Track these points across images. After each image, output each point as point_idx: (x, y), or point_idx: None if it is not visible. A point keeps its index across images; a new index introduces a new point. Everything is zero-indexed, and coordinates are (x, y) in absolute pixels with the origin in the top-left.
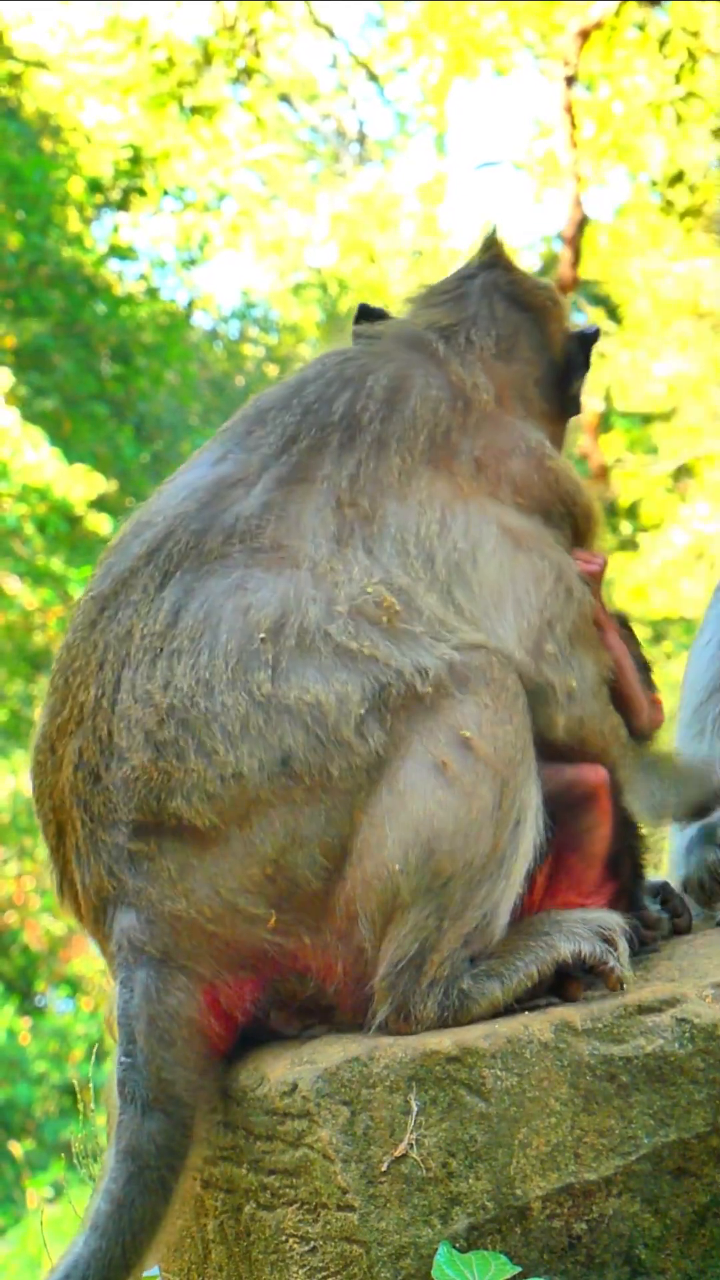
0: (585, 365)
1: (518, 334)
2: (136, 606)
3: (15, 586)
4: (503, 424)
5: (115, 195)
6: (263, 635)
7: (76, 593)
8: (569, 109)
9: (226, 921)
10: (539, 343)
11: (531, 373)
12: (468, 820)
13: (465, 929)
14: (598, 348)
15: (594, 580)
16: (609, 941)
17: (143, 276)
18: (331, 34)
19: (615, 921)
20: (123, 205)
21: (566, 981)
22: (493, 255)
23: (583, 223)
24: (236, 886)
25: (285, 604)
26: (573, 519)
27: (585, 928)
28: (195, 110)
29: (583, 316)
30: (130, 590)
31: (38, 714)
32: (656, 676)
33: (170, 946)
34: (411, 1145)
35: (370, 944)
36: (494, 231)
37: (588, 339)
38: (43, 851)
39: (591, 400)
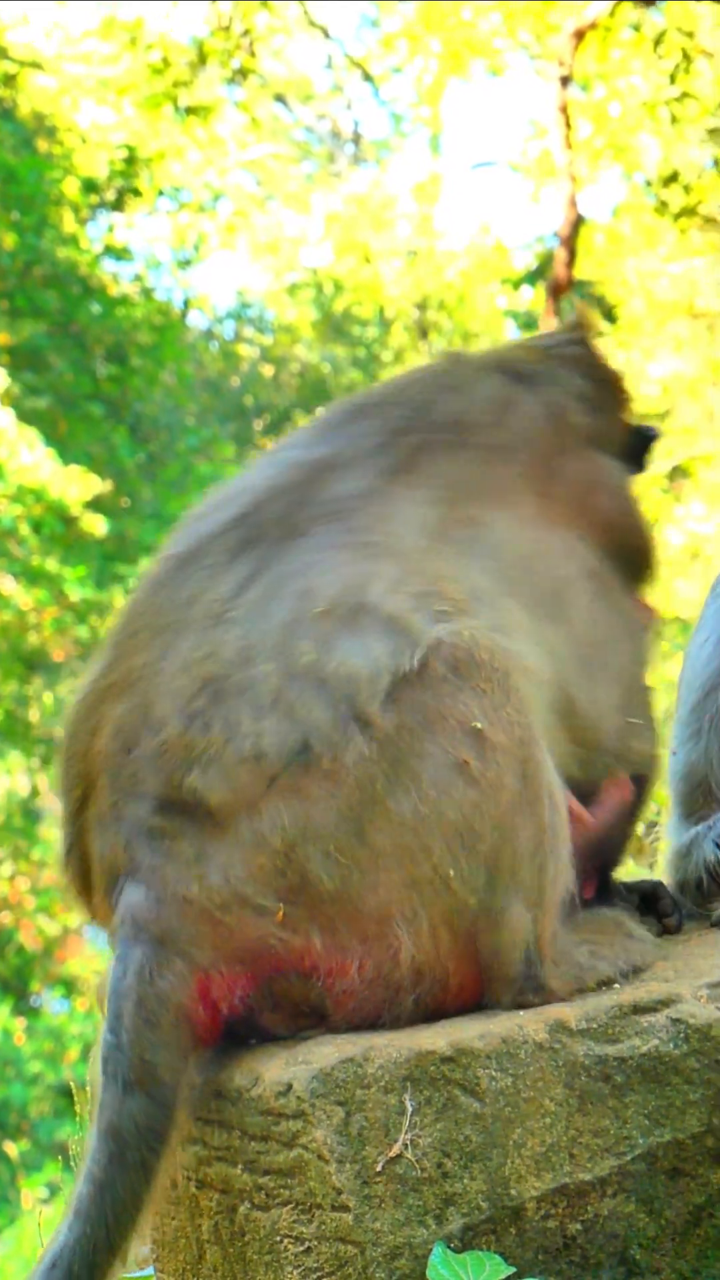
0: (640, 466)
1: (595, 400)
2: (210, 571)
3: (10, 587)
4: (596, 458)
5: (110, 195)
6: (321, 609)
7: (72, 593)
8: (564, 109)
9: (234, 910)
10: (610, 417)
11: (607, 433)
12: (502, 813)
13: (556, 906)
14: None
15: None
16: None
17: (138, 277)
18: (326, 34)
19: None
20: (118, 205)
21: None
22: (579, 333)
23: (578, 223)
24: (245, 875)
25: (350, 584)
26: (638, 568)
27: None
28: (190, 110)
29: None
30: (207, 554)
31: (83, 674)
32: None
33: (173, 929)
34: (406, 1146)
35: (418, 949)
36: (585, 314)
37: (649, 438)
38: (41, 851)
39: None
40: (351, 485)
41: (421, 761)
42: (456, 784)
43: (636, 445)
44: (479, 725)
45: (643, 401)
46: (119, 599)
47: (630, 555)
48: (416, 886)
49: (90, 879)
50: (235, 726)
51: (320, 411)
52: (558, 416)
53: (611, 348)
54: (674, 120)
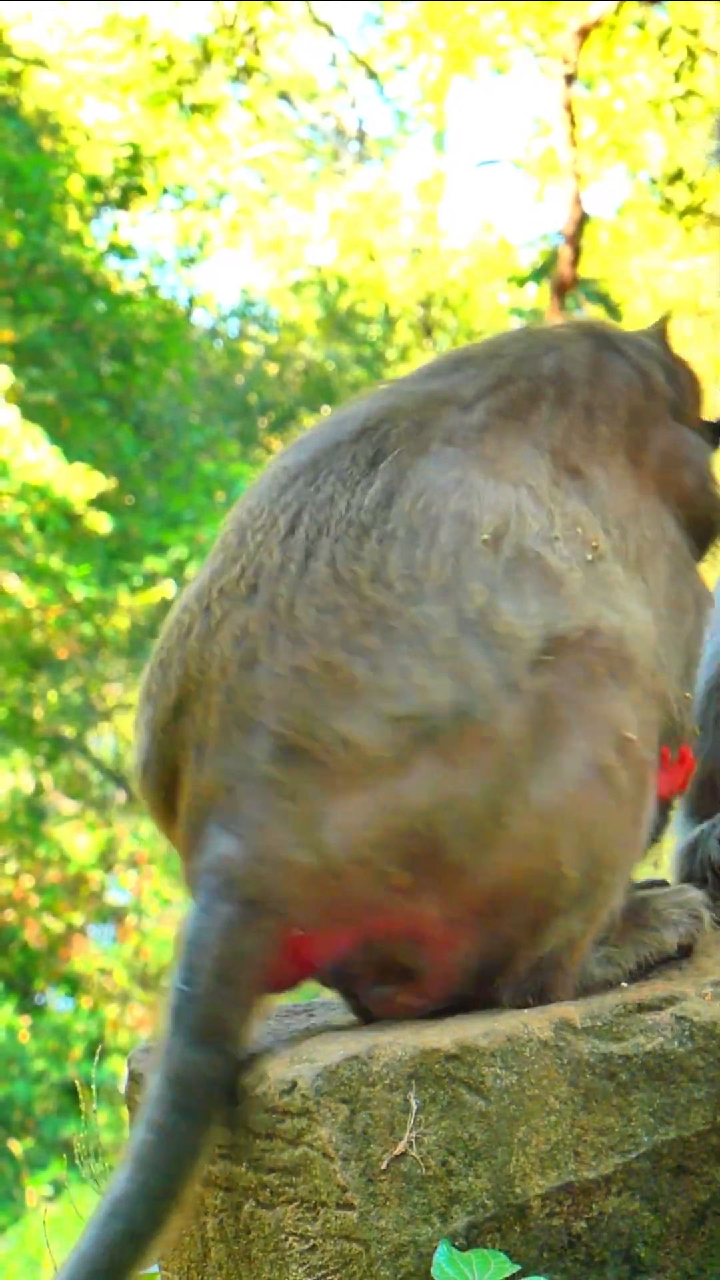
0: (713, 446)
1: (669, 381)
2: (343, 476)
3: (14, 585)
4: (682, 431)
5: (114, 193)
6: (485, 538)
7: (75, 592)
8: (568, 107)
9: (351, 875)
10: (688, 402)
11: (688, 412)
12: (627, 830)
13: (599, 928)
14: None
15: None
16: (697, 918)
17: (142, 275)
18: (331, 32)
19: (700, 899)
20: (122, 203)
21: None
22: (657, 330)
23: (582, 221)
24: (375, 838)
25: (507, 513)
26: (707, 546)
27: (681, 912)
28: (194, 108)
29: (584, 314)
30: (336, 460)
31: (192, 573)
32: None
33: (272, 890)
34: (411, 1143)
35: (513, 933)
36: (665, 320)
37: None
38: (46, 849)
39: None
40: (470, 419)
41: (566, 755)
42: (597, 787)
43: (710, 433)
44: (630, 736)
45: None
46: (123, 597)
47: (703, 532)
48: (532, 876)
49: (174, 799)
50: (408, 674)
51: (421, 364)
52: (648, 384)
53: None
54: (679, 118)
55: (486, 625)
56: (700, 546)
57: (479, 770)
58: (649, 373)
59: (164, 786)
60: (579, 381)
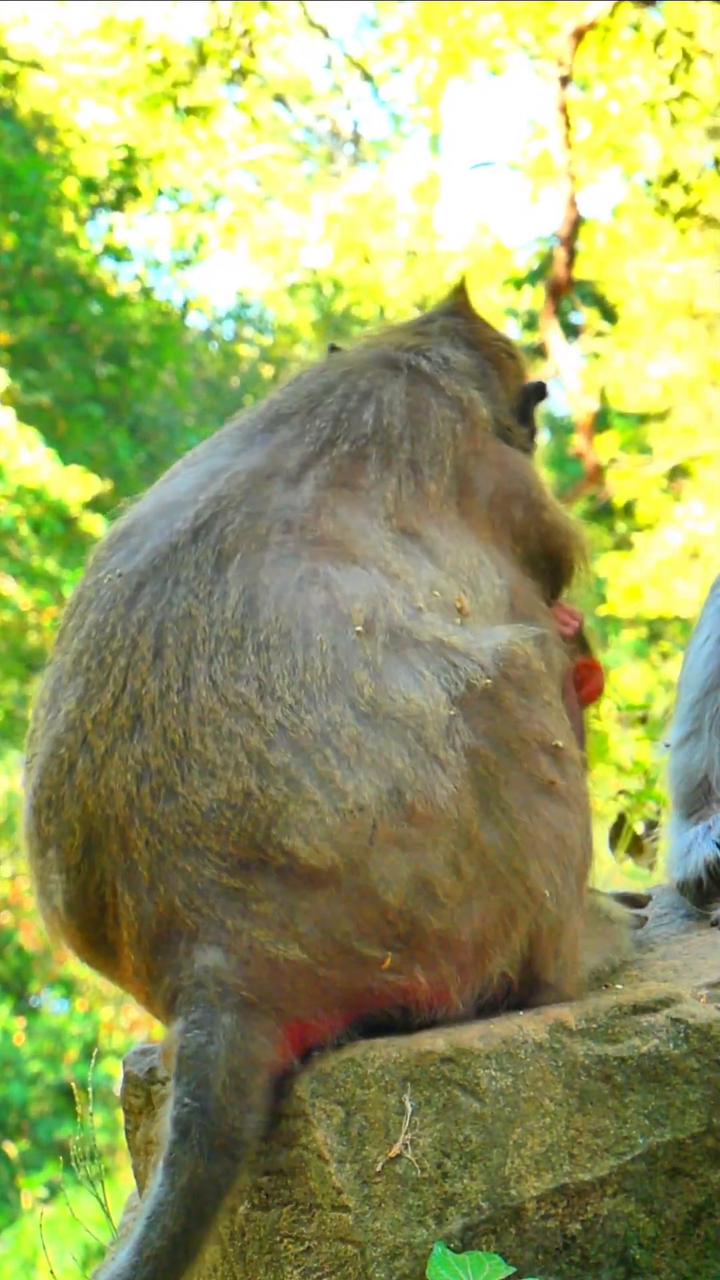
0: (540, 395)
1: (482, 369)
2: (192, 586)
3: (10, 587)
4: (506, 458)
5: (110, 195)
6: (358, 629)
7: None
8: (564, 109)
9: (338, 965)
10: (499, 384)
11: (501, 405)
12: (583, 826)
13: (585, 921)
14: (594, 348)
15: (567, 639)
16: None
17: (137, 277)
18: (326, 34)
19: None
20: (117, 205)
21: None
22: (455, 303)
23: (577, 223)
24: (352, 930)
25: (371, 598)
26: (556, 572)
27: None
28: (190, 111)
29: (579, 317)
30: (178, 568)
31: (41, 695)
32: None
33: (267, 989)
34: (406, 1145)
35: (508, 964)
36: (462, 282)
37: (536, 393)
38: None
39: (586, 400)
40: (301, 498)
41: (508, 789)
42: (545, 804)
43: (528, 403)
44: (559, 743)
45: (642, 401)
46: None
47: (544, 564)
48: (510, 909)
49: (106, 932)
50: (329, 782)
51: (234, 419)
52: (467, 414)
53: (611, 349)
54: (674, 120)
55: (384, 712)
56: (552, 576)
57: (432, 844)
58: (466, 402)
59: (91, 922)
60: (400, 437)
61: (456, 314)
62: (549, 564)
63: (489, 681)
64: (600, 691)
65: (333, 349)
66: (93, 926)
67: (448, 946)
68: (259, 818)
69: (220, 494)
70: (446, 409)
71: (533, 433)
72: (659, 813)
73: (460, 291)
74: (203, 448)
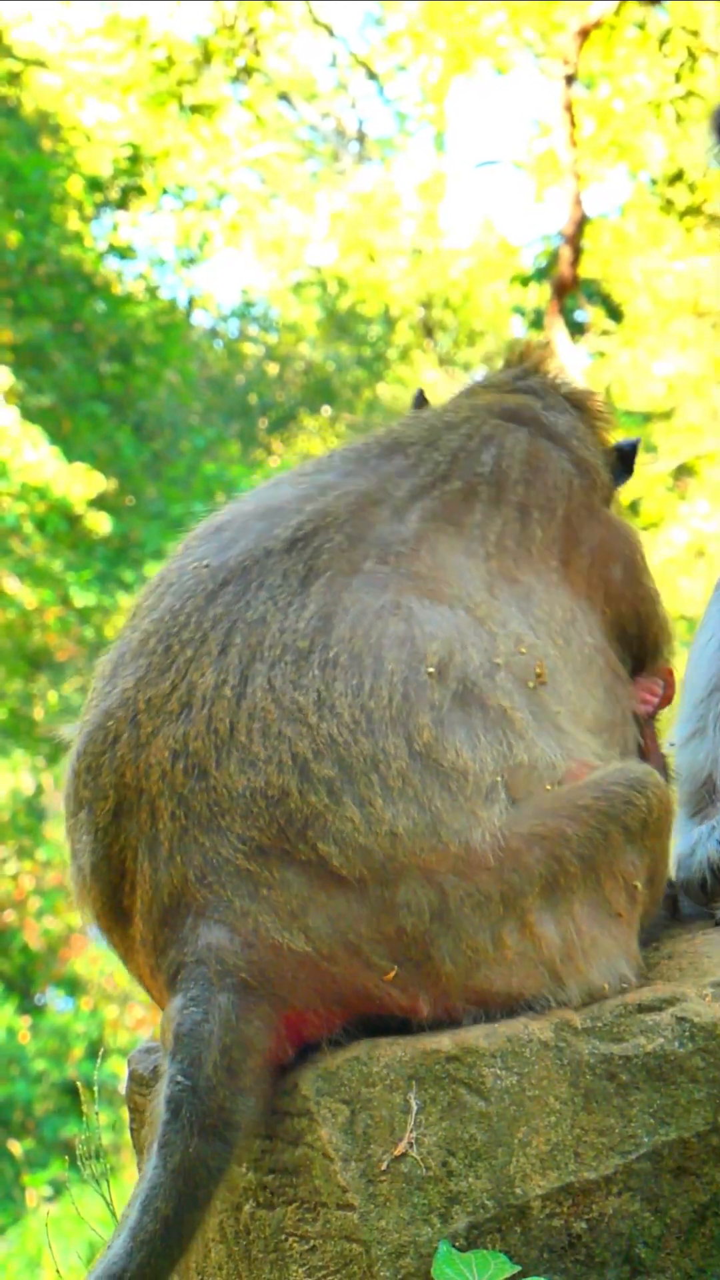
0: (629, 471)
1: (590, 430)
2: (274, 593)
3: (14, 586)
4: (614, 521)
5: (115, 194)
6: (430, 669)
7: (76, 598)
8: (569, 108)
9: (342, 962)
10: (598, 441)
11: (604, 463)
12: (636, 940)
13: None
14: (600, 347)
15: (644, 717)
16: None
17: (142, 275)
18: (331, 32)
19: None
20: (122, 204)
21: None
22: (536, 360)
23: (583, 221)
24: (365, 935)
25: (450, 641)
26: (642, 642)
27: None
28: (195, 109)
29: (584, 316)
30: (266, 573)
31: (102, 668)
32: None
33: (268, 974)
34: (411, 1144)
35: (535, 1000)
36: (537, 343)
37: (629, 450)
38: (46, 850)
39: None
40: (400, 526)
41: (575, 900)
42: (609, 925)
43: (621, 456)
44: (638, 885)
45: (647, 400)
46: (124, 600)
47: (631, 630)
48: (556, 979)
49: (122, 899)
50: (368, 805)
51: (349, 442)
52: (587, 473)
53: (616, 347)
54: (679, 119)
55: (434, 759)
56: (630, 641)
57: (469, 897)
58: (590, 467)
59: (111, 886)
60: (515, 481)
61: (538, 372)
62: (637, 631)
63: (527, 770)
64: (669, 700)
65: (420, 398)
66: (112, 891)
67: (466, 991)
68: (294, 816)
69: (326, 509)
70: (568, 464)
71: (629, 475)
72: None
73: (538, 350)
74: (313, 463)
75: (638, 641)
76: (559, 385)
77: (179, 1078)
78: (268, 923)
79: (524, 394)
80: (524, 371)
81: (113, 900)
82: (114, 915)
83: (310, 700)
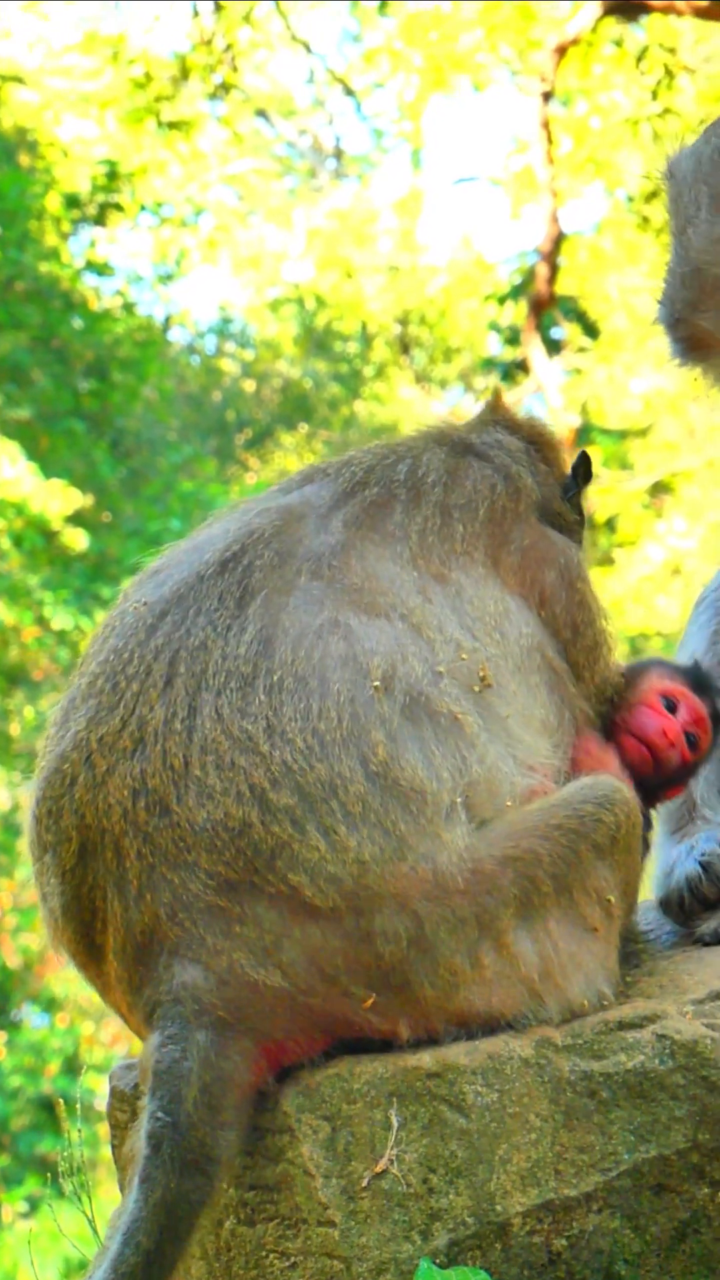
0: (588, 477)
1: (531, 455)
2: (213, 618)
3: None
4: (547, 530)
5: (92, 210)
6: (376, 683)
7: (54, 619)
8: (546, 125)
9: (320, 993)
10: (547, 469)
11: (551, 489)
12: (611, 965)
13: None
14: (576, 364)
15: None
16: None
17: (119, 292)
18: (308, 49)
19: None
20: (100, 220)
21: None
22: (493, 403)
23: (559, 238)
24: (342, 966)
25: (391, 654)
26: (574, 648)
27: None
28: (172, 125)
29: (561, 333)
30: (202, 598)
31: (54, 715)
32: None
33: (245, 1010)
34: (392, 1161)
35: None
36: (496, 391)
37: (583, 459)
38: (23, 868)
39: (568, 416)
40: (329, 539)
41: (550, 918)
42: (586, 942)
43: (576, 480)
44: (612, 899)
45: (624, 417)
46: (100, 617)
47: (565, 635)
48: (535, 997)
49: (95, 937)
50: (332, 833)
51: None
52: (511, 481)
53: (593, 364)
54: (656, 136)
55: (391, 778)
56: (565, 645)
57: (444, 920)
58: (514, 474)
59: (84, 926)
60: (433, 484)
61: (496, 410)
62: (571, 636)
63: (483, 784)
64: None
65: None
66: (84, 931)
67: (447, 1013)
68: (260, 848)
69: (251, 528)
70: (489, 472)
71: (581, 521)
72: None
73: (496, 395)
74: (239, 502)
75: (573, 647)
76: (509, 417)
77: (159, 1114)
78: (242, 960)
79: (461, 428)
80: (479, 414)
81: (86, 940)
82: (88, 954)
83: (260, 728)
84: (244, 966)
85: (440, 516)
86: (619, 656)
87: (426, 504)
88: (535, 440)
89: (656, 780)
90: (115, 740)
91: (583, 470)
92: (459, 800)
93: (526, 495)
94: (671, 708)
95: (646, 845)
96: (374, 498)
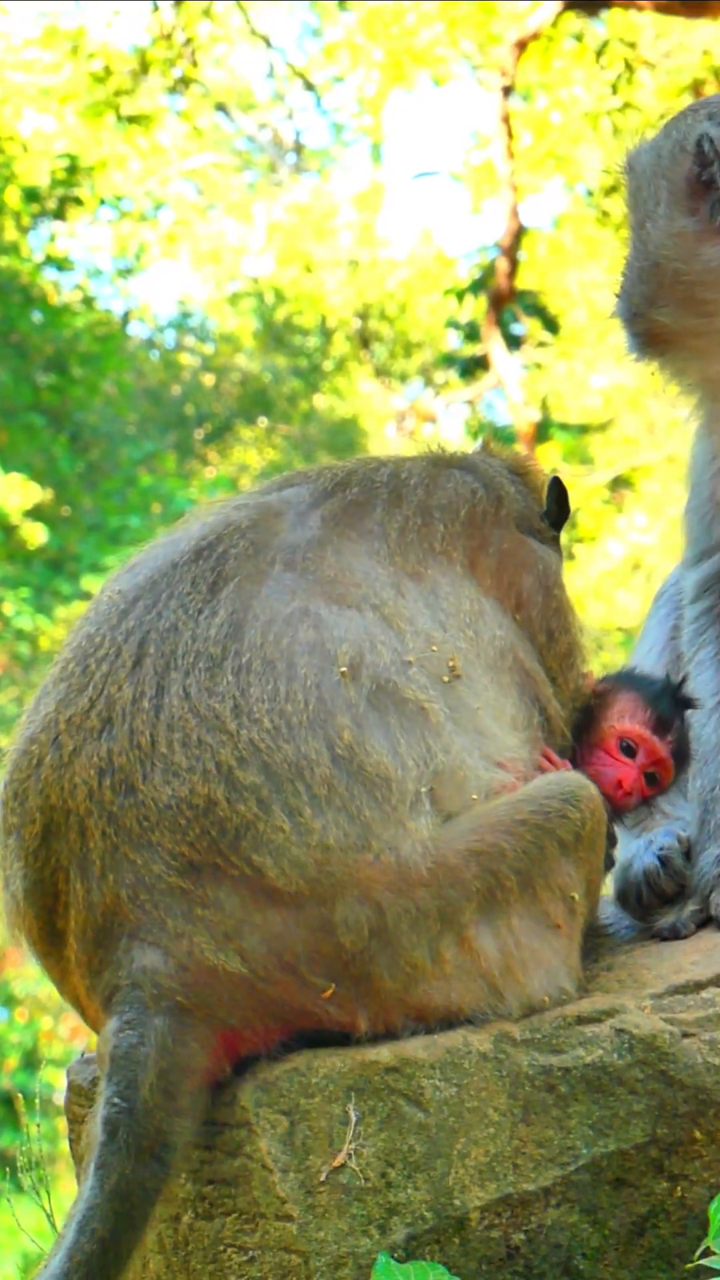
0: (563, 506)
1: (513, 477)
2: (185, 601)
3: None
4: (528, 539)
5: (52, 204)
6: (343, 669)
7: (15, 619)
8: (506, 119)
9: (280, 982)
10: (528, 490)
11: (532, 508)
12: (573, 961)
13: None
14: (536, 359)
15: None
16: None
17: (79, 286)
18: (268, 43)
19: None
20: (59, 214)
21: None
22: (481, 443)
23: (520, 233)
24: (303, 954)
25: (359, 642)
26: (549, 653)
27: None
28: (132, 119)
29: (521, 328)
30: (175, 583)
31: (29, 703)
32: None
33: (204, 996)
34: (350, 1155)
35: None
36: (489, 439)
37: (558, 484)
38: None
39: (528, 410)
40: (306, 533)
41: (513, 914)
42: (549, 938)
43: (555, 495)
44: (575, 896)
45: (584, 412)
46: (61, 614)
47: (540, 639)
48: (494, 992)
49: (56, 921)
50: (297, 815)
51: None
52: (493, 493)
53: (553, 359)
54: (616, 131)
55: (357, 763)
56: (540, 650)
57: (405, 912)
58: (496, 485)
59: (45, 910)
60: (414, 487)
61: (485, 445)
62: (546, 641)
63: (448, 773)
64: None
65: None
66: (46, 915)
67: (404, 1007)
68: (225, 826)
69: (228, 520)
70: (470, 479)
71: (558, 538)
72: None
73: (486, 437)
74: (217, 500)
75: (547, 652)
76: (493, 447)
77: (116, 1100)
78: (203, 944)
79: (446, 450)
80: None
81: (47, 924)
82: (49, 939)
83: (228, 708)
84: (204, 951)
85: (421, 517)
86: (592, 667)
87: (407, 504)
88: (517, 469)
89: (614, 814)
90: (83, 720)
91: (556, 494)
92: (424, 790)
93: (508, 504)
94: (630, 751)
95: (611, 861)
96: (354, 497)
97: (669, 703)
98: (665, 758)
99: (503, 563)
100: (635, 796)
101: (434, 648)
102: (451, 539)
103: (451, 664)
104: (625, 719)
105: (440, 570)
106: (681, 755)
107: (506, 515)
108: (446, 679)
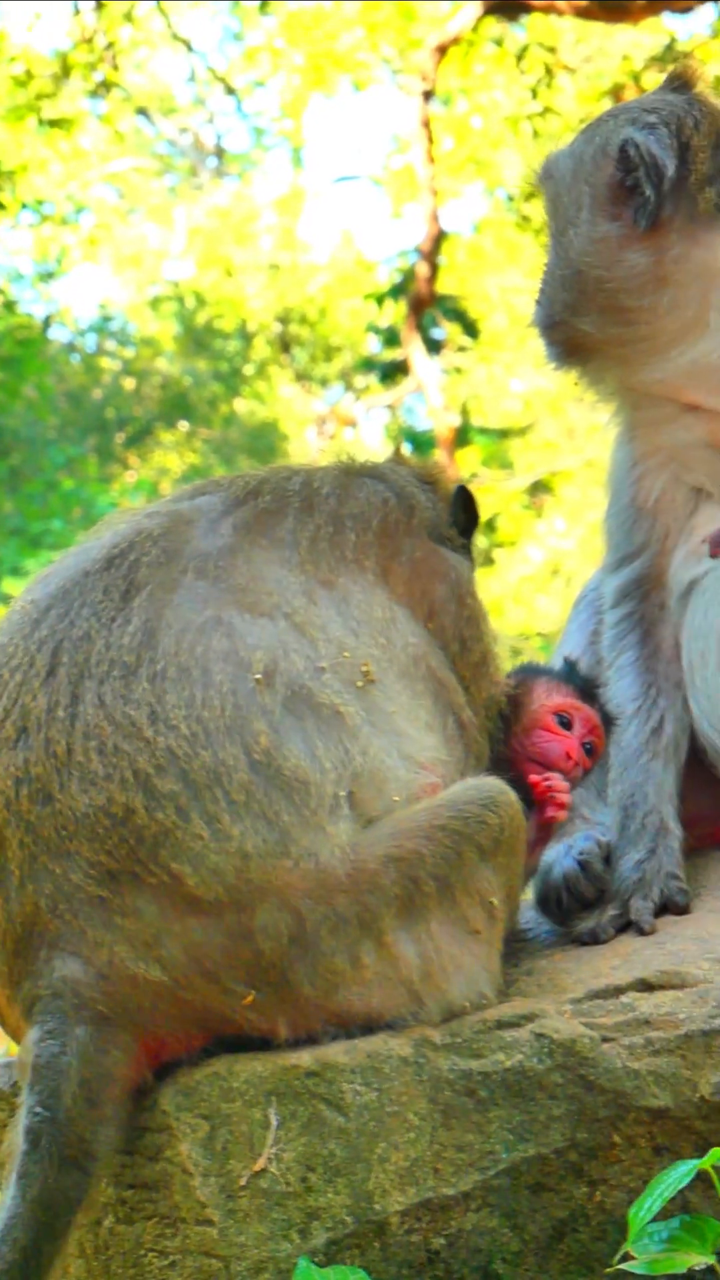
0: (471, 514)
1: (423, 485)
2: (97, 609)
3: None
4: (440, 548)
5: None
6: (257, 676)
7: None
8: (426, 124)
9: (200, 989)
10: (436, 498)
11: (442, 518)
12: (493, 966)
13: None
14: (456, 364)
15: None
16: None
17: (0, 289)
18: (190, 48)
19: None
20: None
21: None
22: (429, 466)
23: (440, 237)
24: (222, 962)
25: (273, 649)
26: (461, 662)
27: None
28: (53, 123)
29: (441, 332)
30: (87, 591)
31: None
32: None
33: (125, 1005)
34: (270, 1159)
35: (395, 1017)
36: (398, 447)
37: (464, 492)
38: None
39: (448, 415)
40: (218, 541)
41: (432, 919)
42: (469, 944)
43: (463, 503)
44: (495, 901)
45: (504, 416)
46: None
47: (453, 648)
48: (415, 999)
49: None
50: (216, 821)
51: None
52: (405, 502)
53: (473, 364)
54: (536, 135)
55: (274, 768)
56: (452, 659)
57: (323, 914)
58: (408, 494)
59: None
60: (327, 495)
61: (395, 455)
62: (459, 650)
63: (367, 775)
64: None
65: None
66: None
67: (324, 1013)
68: (143, 835)
69: (140, 529)
70: (381, 488)
71: (468, 546)
72: None
73: (397, 447)
74: (130, 509)
75: (460, 661)
76: (404, 458)
77: (38, 1109)
78: (122, 953)
79: (357, 459)
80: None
81: None
82: None
83: (144, 715)
84: (124, 960)
85: (332, 525)
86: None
87: (319, 513)
88: (427, 477)
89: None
90: None
91: (463, 502)
92: (344, 793)
93: (419, 512)
94: (566, 724)
95: (532, 870)
96: (266, 505)
97: (579, 678)
98: (599, 725)
99: (415, 571)
100: (580, 766)
101: (346, 654)
102: (364, 548)
103: (365, 670)
104: (554, 695)
105: (352, 579)
106: (608, 723)
107: (418, 524)
108: (360, 684)
